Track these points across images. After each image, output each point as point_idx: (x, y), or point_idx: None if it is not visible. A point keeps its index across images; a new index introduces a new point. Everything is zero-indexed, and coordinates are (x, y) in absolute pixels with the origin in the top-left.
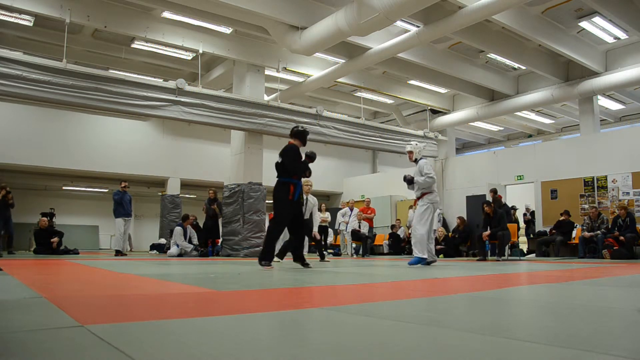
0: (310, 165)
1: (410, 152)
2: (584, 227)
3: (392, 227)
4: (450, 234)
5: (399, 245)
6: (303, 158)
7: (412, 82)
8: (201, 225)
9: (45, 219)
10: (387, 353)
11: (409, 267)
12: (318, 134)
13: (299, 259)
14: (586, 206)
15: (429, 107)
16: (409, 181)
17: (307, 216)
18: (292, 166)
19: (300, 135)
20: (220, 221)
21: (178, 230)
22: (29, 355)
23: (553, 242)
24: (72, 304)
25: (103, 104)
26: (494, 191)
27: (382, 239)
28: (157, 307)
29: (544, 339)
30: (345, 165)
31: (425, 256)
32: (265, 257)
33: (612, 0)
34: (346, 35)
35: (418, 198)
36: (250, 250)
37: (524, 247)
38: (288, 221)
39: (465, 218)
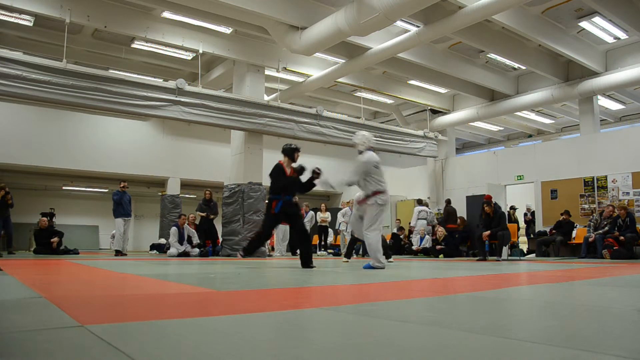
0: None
1: (355, 144)
2: (591, 224)
3: (400, 229)
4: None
5: (399, 246)
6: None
7: (412, 82)
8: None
9: (45, 219)
10: (388, 353)
11: (364, 269)
12: (318, 134)
13: (305, 264)
14: (586, 206)
15: (429, 107)
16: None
17: None
18: (275, 184)
19: (285, 152)
20: (220, 221)
21: (173, 230)
22: (29, 355)
23: (553, 242)
24: (72, 304)
25: (103, 104)
26: (447, 201)
27: None
28: (157, 307)
29: (544, 339)
30: (345, 165)
31: (383, 264)
32: (244, 250)
33: (612, 0)
34: (346, 35)
35: (367, 197)
36: None
37: (524, 247)
38: (270, 230)
39: (465, 218)
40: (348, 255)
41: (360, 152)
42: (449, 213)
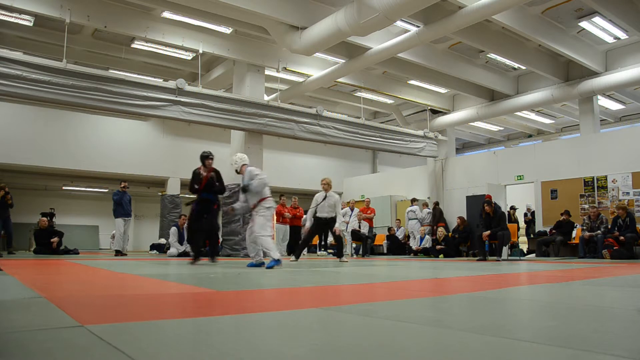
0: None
1: (233, 165)
2: (584, 227)
3: (389, 229)
4: (450, 234)
5: (397, 246)
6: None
7: (412, 82)
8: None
9: (45, 219)
10: (388, 353)
11: (267, 269)
12: (318, 134)
13: (210, 255)
14: (586, 206)
15: (429, 107)
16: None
17: (331, 214)
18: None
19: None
20: (220, 221)
21: (172, 230)
22: (29, 355)
23: (553, 242)
24: (72, 304)
25: (103, 104)
26: (435, 203)
27: (382, 239)
28: (157, 307)
29: (544, 339)
30: (345, 165)
31: (279, 258)
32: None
33: (612, 0)
34: (346, 35)
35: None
36: None
37: (524, 247)
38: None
39: (465, 218)
40: (339, 254)
41: (238, 172)
42: (440, 213)
